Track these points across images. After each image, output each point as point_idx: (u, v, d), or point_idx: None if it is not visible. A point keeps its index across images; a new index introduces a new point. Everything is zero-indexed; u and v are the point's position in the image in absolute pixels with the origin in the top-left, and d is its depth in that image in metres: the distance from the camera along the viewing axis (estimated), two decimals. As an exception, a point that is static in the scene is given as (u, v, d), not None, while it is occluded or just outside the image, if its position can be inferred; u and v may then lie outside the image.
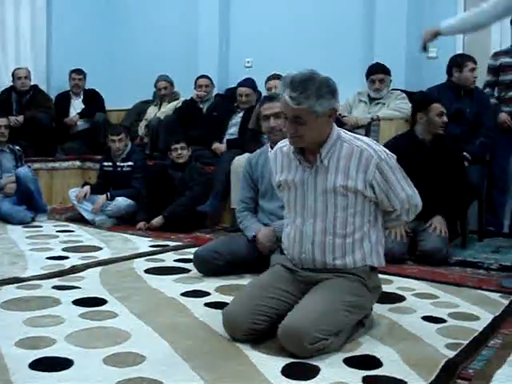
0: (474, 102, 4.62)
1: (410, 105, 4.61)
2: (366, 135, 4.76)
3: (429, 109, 4.00)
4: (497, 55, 4.84)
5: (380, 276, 3.28)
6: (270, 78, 5.44)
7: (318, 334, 2.09)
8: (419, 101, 4.21)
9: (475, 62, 4.67)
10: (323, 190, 2.31)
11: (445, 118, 3.98)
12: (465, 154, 4.32)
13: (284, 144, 2.48)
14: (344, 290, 2.27)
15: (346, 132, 2.37)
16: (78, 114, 6.78)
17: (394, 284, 3.23)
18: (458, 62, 4.69)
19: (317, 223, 2.33)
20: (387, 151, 2.33)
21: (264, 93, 5.57)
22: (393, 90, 5.08)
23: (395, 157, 2.35)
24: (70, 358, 2.09)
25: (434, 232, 3.81)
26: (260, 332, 2.26)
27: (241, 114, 5.67)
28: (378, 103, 5.01)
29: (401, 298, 2.96)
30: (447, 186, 3.90)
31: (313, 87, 2.14)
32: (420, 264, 3.75)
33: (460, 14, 4.25)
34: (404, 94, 4.99)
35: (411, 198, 2.38)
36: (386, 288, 3.11)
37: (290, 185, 2.41)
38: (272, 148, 3.28)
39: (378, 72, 5.01)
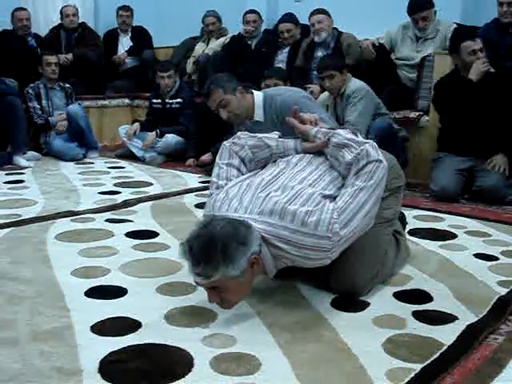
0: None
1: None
2: (418, 74, 4.59)
3: (460, 50, 3.76)
4: None
5: (432, 213, 3.28)
6: (312, 13, 5.23)
7: (369, 274, 2.09)
8: (450, 42, 3.97)
9: None
10: None
11: (480, 55, 3.71)
12: None
13: None
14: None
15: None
16: (126, 51, 6.77)
17: (445, 221, 3.19)
18: None
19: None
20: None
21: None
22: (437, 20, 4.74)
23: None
24: (123, 286, 2.16)
25: (493, 169, 3.70)
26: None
27: (286, 50, 5.57)
28: (426, 39, 4.72)
29: (452, 236, 2.92)
30: (504, 121, 3.75)
31: (217, 253, 1.72)
32: (473, 202, 3.67)
33: None
34: (454, 25, 4.69)
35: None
36: (437, 225, 3.10)
37: None
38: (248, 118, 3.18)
39: (419, 10, 4.60)
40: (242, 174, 2.16)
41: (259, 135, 2.24)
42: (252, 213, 1.88)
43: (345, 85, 4.01)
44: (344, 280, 2.08)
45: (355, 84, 4.01)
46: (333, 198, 1.92)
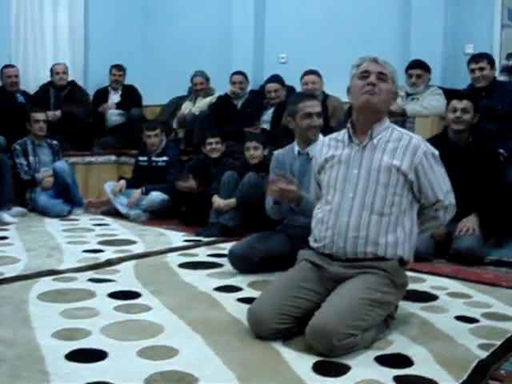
0: (504, 97, 4.54)
1: (445, 101, 4.59)
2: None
3: (448, 107, 4.07)
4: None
5: (413, 274, 3.30)
6: (306, 73, 5.41)
7: (346, 330, 2.10)
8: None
9: (477, 62, 4.61)
10: (368, 167, 2.38)
11: (457, 114, 3.94)
12: (501, 150, 4.25)
13: (331, 135, 2.60)
14: (370, 287, 2.27)
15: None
16: (115, 103, 6.86)
17: (426, 283, 3.21)
18: (467, 64, 4.74)
19: (356, 197, 2.37)
20: (432, 147, 2.41)
21: (298, 88, 5.56)
22: (430, 85, 5.03)
23: (438, 153, 2.42)
24: (104, 349, 2.14)
25: (466, 231, 3.77)
26: (286, 331, 2.28)
27: (271, 111, 5.69)
28: (413, 99, 4.98)
29: (433, 297, 2.94)
30: (482, 187, 3.85)
31: (391, 65, 2.44)
32: (453, 263, 3.70)
33: None
34: (440, 90, 4.94)
35: (451, 192, 2.43)
36: (418, 287, 3.11)
37: (335, 161, 2.47)
38: (300, 146, 3.32)
39: (416, 67, 4.99)
40: None
41: None
42: None
43: None
44: (318, 322, 2.11)
45: None
46: None
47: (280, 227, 3.43)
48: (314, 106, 3.26)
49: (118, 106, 6.87)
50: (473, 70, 4.63)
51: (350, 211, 2.36)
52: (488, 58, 4.64)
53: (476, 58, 4.66)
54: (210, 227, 4.43)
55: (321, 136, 3.27)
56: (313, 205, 2.70)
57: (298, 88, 5.61)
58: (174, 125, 6.62)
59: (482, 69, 4.59)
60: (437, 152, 2.42)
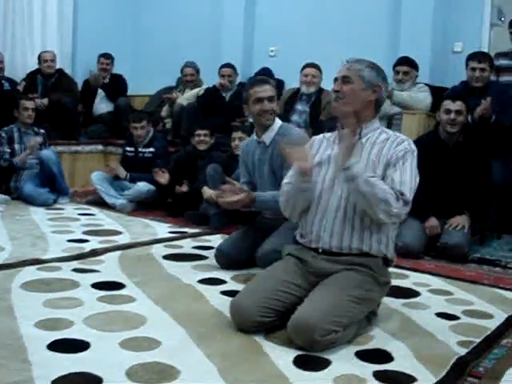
0: (493, 97, 4.53)
1: (430, 98, 4.62)
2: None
3: (440, 107, 4.02)
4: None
5: (396, 270, 3.33)
6: (306, 66, 5.43)
7: (328, 326, 2.12)
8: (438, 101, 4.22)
9: (479, 61, 4.54)
10: None
11: (451, 116, 3.90)
12: None
13: (326, 135, 2.62)
14: (354, 283, 2.29)
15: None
16: (104, 83, 6.84)
17: (409, 279, 3.24)
18: (466, 60, 4.68)
19: (343, 195, 2.38)
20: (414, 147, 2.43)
21: (289, 81, 5.57)
22: (417, 83, 5.05)
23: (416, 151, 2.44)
24: (87, 340, 2.15)
25: (455, 229, 3.80)
26: (268, 324, 2.30)
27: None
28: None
29: (416, 294, 2.97)
30: (471, 185, 3.89)
31: (366, 61, 2.45)
32: (438, 259, 3.74)
33: None
34: (426, 88, 4.95)
35: (413, 191, 2.33)
36: (401, 283, 3.14)
37: (325, 159, 2.49)
38: (257, 134, 3.33)
39: (403, 64, 5.00)
40: None
41: None
42: None
43: None
44: (301, 317, 2.13)
45: None
46: None
47: (257, 219, 3.43)
48: (265, 91, 3.22)
49: (105, 90, 6.84)
50: (473, 69, 4.55)
51: (338, 207, 2.38)
52: (490, 59, 4.60)
53: (479, 57, 4.58)
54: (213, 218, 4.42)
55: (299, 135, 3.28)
56: (271, 200, 2.85)
57: (289, 81, 5.63)
58: (163, 113, 6.61)
59: (483, 70, 4.53)
60: (416, 151, 2.42)
